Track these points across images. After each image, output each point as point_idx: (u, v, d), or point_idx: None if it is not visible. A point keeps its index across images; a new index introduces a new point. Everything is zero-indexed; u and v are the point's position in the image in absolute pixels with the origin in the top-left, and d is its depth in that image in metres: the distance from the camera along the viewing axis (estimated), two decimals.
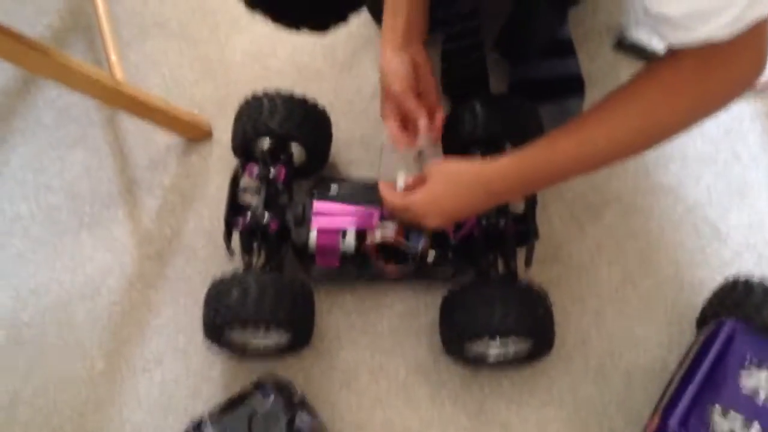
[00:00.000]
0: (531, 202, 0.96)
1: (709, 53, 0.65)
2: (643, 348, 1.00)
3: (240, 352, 0.99)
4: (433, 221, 0.86)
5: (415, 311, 1.03)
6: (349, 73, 1.20)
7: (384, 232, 0.94)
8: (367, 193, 0.99)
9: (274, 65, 1.21)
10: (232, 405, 0.91)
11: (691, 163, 1.11)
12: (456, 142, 0.99)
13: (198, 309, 1.04)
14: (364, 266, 0.97)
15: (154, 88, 1.19)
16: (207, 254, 1.08)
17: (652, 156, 1.11)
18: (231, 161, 1.14)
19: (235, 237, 0.98)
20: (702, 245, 1.06)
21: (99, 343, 1.04)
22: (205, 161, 1.15)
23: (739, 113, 1.13)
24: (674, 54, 0.69)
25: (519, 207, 0.97)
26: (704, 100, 0.71)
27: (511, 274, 0.95)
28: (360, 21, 1.23)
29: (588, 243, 1.06)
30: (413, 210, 0.86)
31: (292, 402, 0.91)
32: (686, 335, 1.00)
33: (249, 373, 0.99)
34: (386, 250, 0.95)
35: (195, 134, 1.15)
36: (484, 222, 0.94)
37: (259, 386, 0.93)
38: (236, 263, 1.01)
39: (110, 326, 1.05)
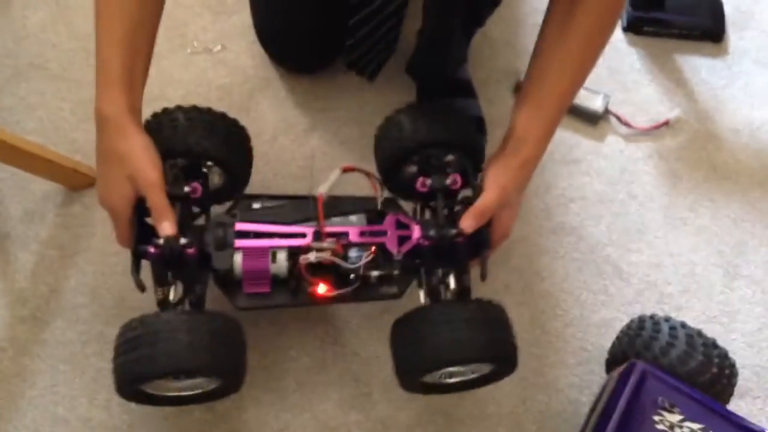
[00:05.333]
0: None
1: None
2: (554, 390, 0.99)
3: (162, 404, 0.85)
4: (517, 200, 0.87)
5: (322, 364, 0.98)
6: (248, 115, 1.15)
7: (320, 251, 0.85)
8: (295, 210, 0.89)
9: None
10: None
11: (590, 203, 1.12)
12: (393, 151, 0.91)
13: (78, 376, 0.95)
14: (298, 290, 0.86)
15: (30, 134, 1.10)
16: (91, 314, 0.99)
17: (553, 196, 1.12)
18: None
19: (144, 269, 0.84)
20: (605, 285, 1.06)
21: None
22: (88, 211, 1.06)
23: (633, 154, 1.16)
24: None
25: None
26: None
27: (465, 291, 0.87)
28: (256, 62, 1.19)
29: (496, 284, 1.05)
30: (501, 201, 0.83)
31: None
32: (596, 376, 0.99)
33: None
34: (323, 270, 0.86)
35: (76, 182, 1.06)
36: (432, 233, 0.84)
37: None
38: (136, 302, 0.92)
39: None
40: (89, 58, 1.18)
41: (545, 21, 0.83)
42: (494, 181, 0.83)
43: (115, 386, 0.80)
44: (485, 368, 0.86)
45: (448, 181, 0.87)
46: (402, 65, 1.16)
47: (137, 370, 0.77)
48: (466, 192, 0.88)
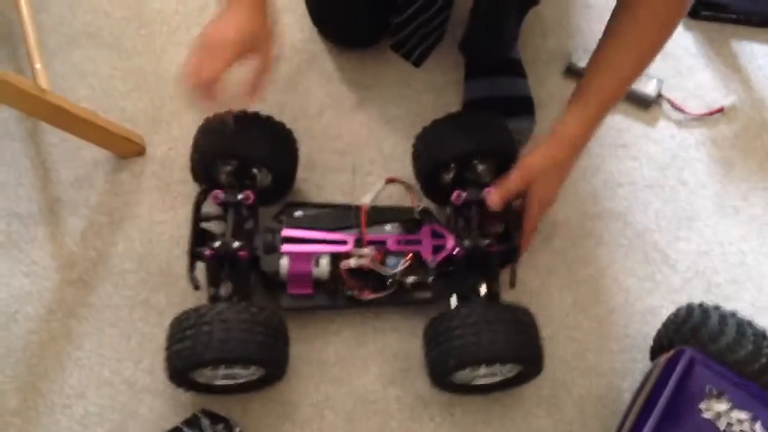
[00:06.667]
0: (510, 220, 0.93)
1: None
2: (595, 375, 0.98)
3: (209, 391, 0.90)
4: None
5: (363, 338, 0.98)
6: (295, 90, 1.15)
7: (360, 257, 0.90)
8: (338, 219, 0.96)
9: None
10: None
11: (639, 189, 1.10)
12: (431, 161, 0.97)
13: (125, 340, 0.97)
14: (338, 293, 0.93)
15: (82, 101, 1.11)
16: (137, 280, 1.00)
17: (600, 180, 1.10)
18: (165, 179, 1.07)
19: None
20: (652, 272, 1.05)
21: (13, 377, 0.94)
22: (137, 179, 1.07)
23: (685, 140, 1.13)
24: None
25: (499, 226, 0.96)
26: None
27: (495, 296, 0.92)
28: (305, 36, 1.19)
29: (539, 268, 1.03)
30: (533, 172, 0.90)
31: None
32: (639, 363, 0.98)
33: (181, 408, 0.92)
34: (362, 275, 0.92)
35: (126, 150, 1.08)
36: (466, 243, 0.91)
37: (193, 422, 0.85)
38: (186, 293, 0.94)
39: (26, 358, 0.95)
40: (141, 28, 1.19)
41: (608, 25, 0.87)
42: (521, 160, 0.91)
43: (167, 374, 0.84)
44: (511, 370, 0.89)
45: (482, 194, 0.92)
46: (450, 42, 1.15)
47: (191, 357, 0.81)
48: None
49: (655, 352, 0.93)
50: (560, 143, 0.91)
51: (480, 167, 0.95)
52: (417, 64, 1.07)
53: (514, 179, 0.90)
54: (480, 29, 1.06)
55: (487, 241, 0.91)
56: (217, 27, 0.83)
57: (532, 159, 0.91)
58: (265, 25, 0.85)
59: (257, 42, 0.84)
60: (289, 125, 1.01)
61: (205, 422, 0.84)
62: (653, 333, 0.95)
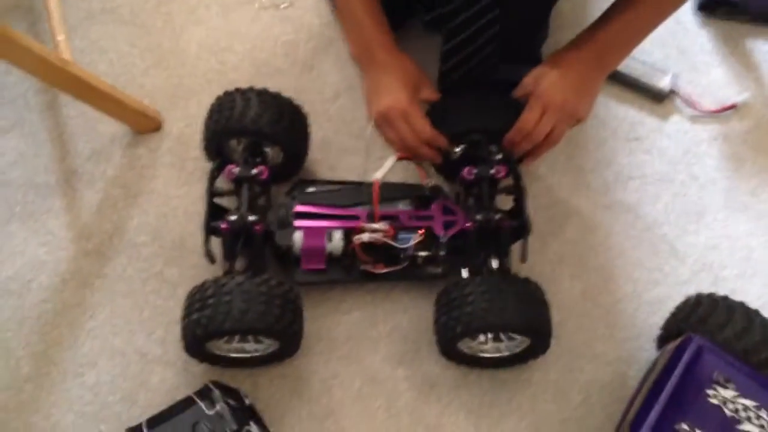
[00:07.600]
0: (520, 196, 0.94)
1: None
2: (602, 362, 0.99)
3: (223, 364, 0.92)
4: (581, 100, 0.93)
5: (373, 319, 0.99)
6: (310, 73, 1.15)
7: (373, 232, 0.91)
8: (349, 195, 0.97)
9: (230, 60, 1.16)
10: (174, 412, 0.84)
11: (649, 182, 1.11)
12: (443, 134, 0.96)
13: (138, 311, 0.98)
14: (351, 268, 0.94)
15: (101, 77, 1.11)
16: (151, 253, 1.01)
17: (612, 172, 1.11)
18: (180, 155, 1.08)
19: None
20: (660, 263, 1.05)
21: (26, 344, 0.95)
22: (153, 154, 1.08)
23: (697, 135, 1.14)
24: None
25: (508, 202, 0.97)
26: None
27: (505, 270, 0.93)
28: (322, 21, 1.20)
29: (550, 256, 1.04)
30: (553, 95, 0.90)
31: (241, 411, 0.85)
32: (645, 352, 0.99)
33: (192, 380, 0.93)
34: (375, 250, 0.93)
35: (143, 125, 1.09)
36: (478, 218, 0.92)
37: (204, 394, 0.86)
38: (199, 267, 0.94)
39: (39, 326, 0.96)
40: (160, 6, 1.20)
41: None
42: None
43: (183, 342, 0.85)
44: (519, 345, 0.90)
45: (493, 171, 0.94)
46: None
47: (209, 326, 0.81)
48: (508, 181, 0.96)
49: (663, 340, 0.94)
50: (578, 48, 0.91)
51: (491, 144, 0.95)
52: None
53: (528, 75, 0.93)
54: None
55: (498, 216, 0.92)
56: (389, 97, 0.93)
57: (548, 58, 0.94)
58: (414, 64, 0.97)
59: (420, 81, 0.96)
60: (305, 107, 1.02)
61: (216, 393, 0.85)
62: (660, 323, 0.96)
